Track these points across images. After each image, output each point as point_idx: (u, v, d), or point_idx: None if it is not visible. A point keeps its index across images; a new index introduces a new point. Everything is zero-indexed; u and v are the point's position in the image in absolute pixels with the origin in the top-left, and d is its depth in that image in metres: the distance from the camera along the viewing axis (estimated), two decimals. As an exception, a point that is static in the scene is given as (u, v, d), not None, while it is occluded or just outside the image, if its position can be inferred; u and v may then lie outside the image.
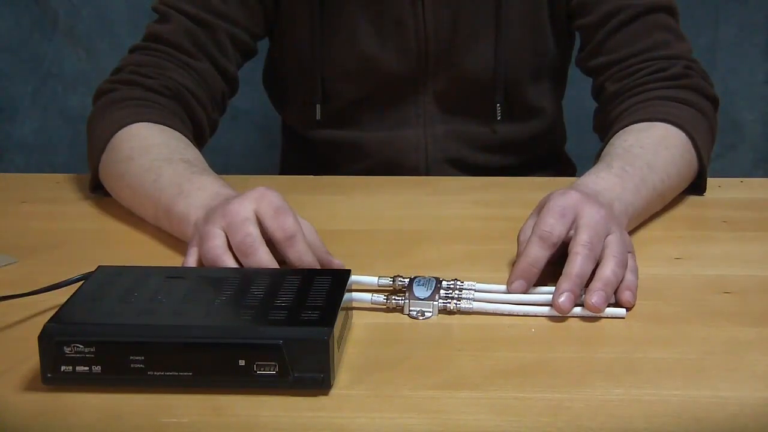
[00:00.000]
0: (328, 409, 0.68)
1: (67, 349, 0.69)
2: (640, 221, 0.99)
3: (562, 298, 0.80)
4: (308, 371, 0.68)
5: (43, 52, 1.85)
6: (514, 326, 0.80)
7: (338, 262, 0.87)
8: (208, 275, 0.80)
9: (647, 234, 0.99)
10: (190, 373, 0.69)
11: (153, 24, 1.20)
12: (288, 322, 0.70)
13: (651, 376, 0.72)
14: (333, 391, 0.69)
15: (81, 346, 0.69)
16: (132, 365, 0.69)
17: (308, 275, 0.79)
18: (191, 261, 0.85)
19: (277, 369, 0.68)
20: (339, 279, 0.78)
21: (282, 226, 0.84)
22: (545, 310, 0.82)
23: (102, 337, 0.69)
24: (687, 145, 1.07)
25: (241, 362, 0.68)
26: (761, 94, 1.85)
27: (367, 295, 0.82)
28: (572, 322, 0.80)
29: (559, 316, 0.81)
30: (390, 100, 1.27)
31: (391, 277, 0.85)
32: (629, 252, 0.86)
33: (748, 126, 1.87)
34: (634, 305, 0.82)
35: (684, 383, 0.71)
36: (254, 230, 0.83)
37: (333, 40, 1.24)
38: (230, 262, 0.83)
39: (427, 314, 0.82)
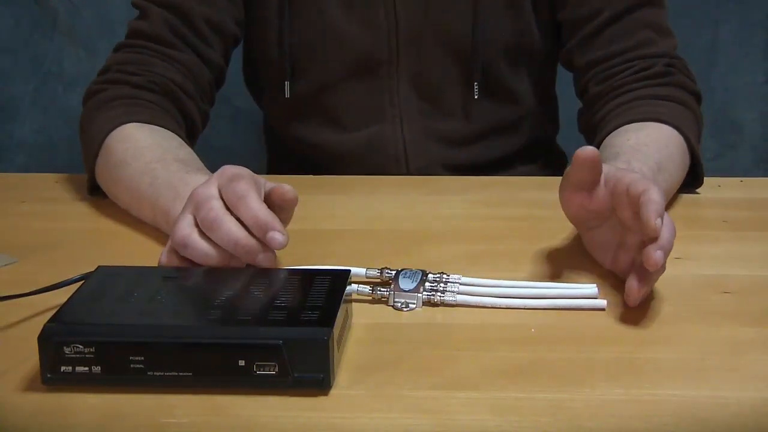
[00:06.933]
0: (328, 409, 0.68)
1: (66, 350, 0.69)
2: None
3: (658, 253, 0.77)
4: (308, 371, 0.68)
5: (43, 52, 1.85)
6: (514, 326, 0.80)
7: (288, 188, 0.85)
8: (208, 275, 0.80)
9: (647, 234, 0.99)
10: (190, 373, 0.69)
11: (133, 21, 1.21)
12: (288, 322, 0.70)
13: (651, 376, 0.72)
14: (333, 391, 0.69)
15: (81, 347, 0.69)
16: (132, 365, 0.69)
17: (308, 275, 0.79)
18: (164, 254, 0.84)
19: (277, 369, 0.68)
20: (339, 279, 0.78)
21: (233, 190, 0.82)
22: (529, 303, 0.82)
23: (102, 337, 0.69)
24: (679, 140, 1.08)
25: (241, 362, 0.68)
26: (761, 94, 1.85)
27: (353, 286, 0.82)
28: (572, 322, 0.80)
29: (556, 315, 0.81)
30: (362, 87, 1.25)
31: (378, 269, 0.86)
32: None
33: (748, 126, 1.87)
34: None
35: (684, 383, 0.71)
36: (216, 204, 0.81)
37: (300, 13, 1.23)
38: (199, 241, 0.81)
39: (412, 306, 0.82)
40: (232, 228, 0.81)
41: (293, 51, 1.24)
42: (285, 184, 0.85)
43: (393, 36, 1.22)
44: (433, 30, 1.22)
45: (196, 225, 0.82)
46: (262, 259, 0.81)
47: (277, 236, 0.80)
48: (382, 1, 1.21)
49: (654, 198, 0.80)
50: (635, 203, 0.81)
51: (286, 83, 1.25)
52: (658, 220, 0.78)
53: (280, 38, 1.24)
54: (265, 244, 0.81)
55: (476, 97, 1.24)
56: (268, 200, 0.84)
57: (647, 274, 0.80)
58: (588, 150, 0.84)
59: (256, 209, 0.81)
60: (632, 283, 0.80)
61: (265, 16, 1.25)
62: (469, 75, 1.23)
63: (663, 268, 0.81)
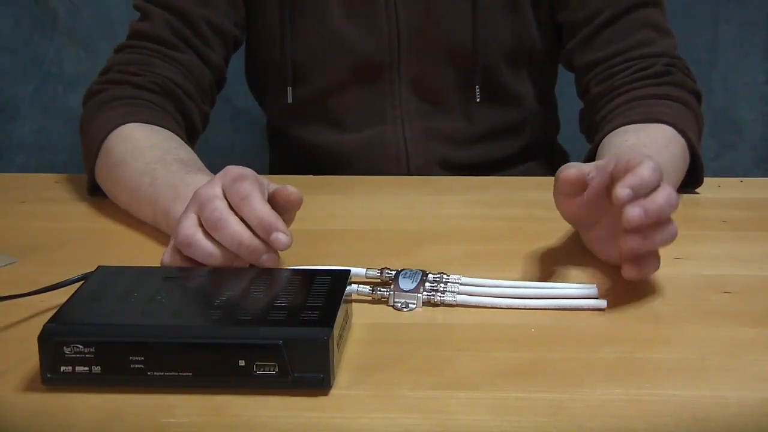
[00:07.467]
0: (328, 409, 0.68)
1: (66, 350, 0.69)
2: None
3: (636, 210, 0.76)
4: (308, 371, 0.68)
5: (43, 52, 1.84)
6: (514, 326, 0.80)
7: (292, 189, 0.85)
8: (208, 275, 0.80)
9: (647, 234, 0.99)
10: (190, 373, 0.69)
11: (135, 22, 1.21)
12: (288, 322, 0.70)
13: (651, 376, 0.72)
14: (333, 391, 0.69)
15: (81, 347, 0.69)
16: (132, 365, 0.69)
17: (308, 275, 0.79)
18: (167, 254, 0.84)
19: (277, 369, 0.68)
20: (339, 279, 0.78)
21: (237, 190, 0.81)
22: (529, 303, 0.82)
23: (102, 338, 0.69)
24: (680, 140, 1.08)
25: (241, 362, 0.68)
26: (761, 94, 1.85)
27: (353, 286, 0.82)
28: (572, 322, 0.80)
29: (556, 315, 0.81)
30: (363, 90, 1.25)
31: (378, 269, 0.86)
32: None
33: (748, 126, 1.87)
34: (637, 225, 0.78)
35: (684, 383, 0.71)
36: (220, 204, 0.81)
37: (303, 20, 1.23)
38: (203, 241, 0.81)
39: (412, 306, 0.82)
40: (236, 228, 0.81)
41: (295, 56, 1.24)
42: (289, 186, 0.85)
43: (394, 40, 1.22)
44: (434, 34, 1.22)
45: (200, 225, 0.82)
46: (266, 260, 0.81)
47: (281, 237, 0.80)
48: (383, 5, 1.21)
49: (640, 172, 0.78)
50: None
51: (289, 88, 1.26)
52: (625, 190, 0.77)
53: (282, 44, 1.24)
54: (268, 245, 0.81)
55: (478, 100, 1.24)
56: (272, 201, 0.84)
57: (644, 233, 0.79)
58: (571, 173, 0.84)
59: (260, 210, 0.81)
60: (628, 248, 0.78)
61: (266, 21, 1.25)
62: (470, 78, 1.23)
63: (663, 236, 0.79)
